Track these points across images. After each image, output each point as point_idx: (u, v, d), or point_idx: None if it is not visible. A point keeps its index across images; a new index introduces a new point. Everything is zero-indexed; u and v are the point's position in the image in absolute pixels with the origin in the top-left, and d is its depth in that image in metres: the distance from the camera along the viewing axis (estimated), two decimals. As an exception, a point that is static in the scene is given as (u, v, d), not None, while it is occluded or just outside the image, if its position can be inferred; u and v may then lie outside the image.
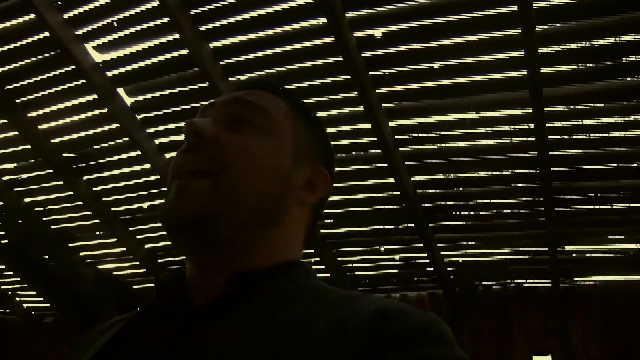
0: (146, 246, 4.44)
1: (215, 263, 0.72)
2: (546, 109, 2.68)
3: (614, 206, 3.13)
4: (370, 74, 2.82)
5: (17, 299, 5.69)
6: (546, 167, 2.93)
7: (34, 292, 5.42)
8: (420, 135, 3.05)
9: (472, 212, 3.45)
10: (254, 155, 0.74)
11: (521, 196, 3.26)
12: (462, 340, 3.92)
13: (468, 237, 3.64)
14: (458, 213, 3.45)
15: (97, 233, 4.46)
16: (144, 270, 4.65)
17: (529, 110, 2.73)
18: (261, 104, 0.78)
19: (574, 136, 2.85)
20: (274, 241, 0.75)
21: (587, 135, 2.81)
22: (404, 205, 3.46)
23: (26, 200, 4.37)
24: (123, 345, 0.69)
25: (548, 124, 2.75)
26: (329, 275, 4.13)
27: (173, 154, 3.35)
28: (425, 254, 3.76)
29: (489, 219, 3.47)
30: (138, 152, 3.67)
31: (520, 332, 3.83)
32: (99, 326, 0.82)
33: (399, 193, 3.36)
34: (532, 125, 2.80)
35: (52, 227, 4.51)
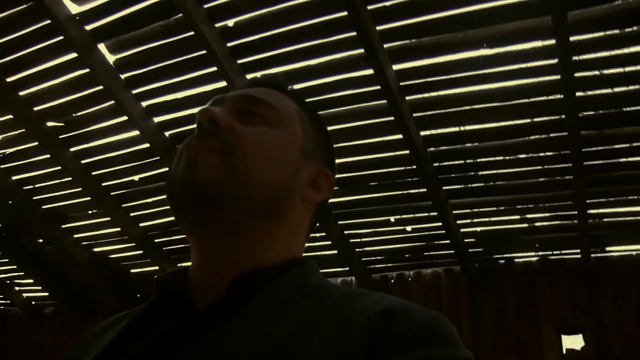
0: (141, 225, 4.16)
1: (218, 252, 0.72)
2: (572, 38, 2.32)
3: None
4: (369, 7, 2.49)
5: (16, 288, 5.46)
6: (573, 111, 2.57)
7: (31, 280, 5.18)
8: (427, 80, 2.70)
9: (489, 172, 3.09)
10: (265, 146, 0.74)
11: (545, 149, 2.89)
12: (483, 320, 3.56)
13: (486, 201, 3.27)
14: (474, 173, 3.10)
15: (90, 211, 4.19)
16: (141, 252, 4.37)
17: (552, 42, 2.37)
18: (272, 101, 0.79)
19: (605, 71, 2.48)
20: (277, 234, 0.75)
21: (622, 69, 2.44)
22: (414, 167, 3.12)
23: (14, 178, 4.12)
24: (124, 348, 0.68)
25: (574, 57, 2.39)
26: (336, 252, 3.80)
27: (161, 118, 3.08)
28: (440, 224, 3.41)
29: (509, 178, 3.10)
30: (125, 118, 3.40)
31: (547, 310, 3.44)
32: (101, 323, 0.82)
33: (408, 152, 3.03)
34: (555, 60, 2.44)
35: (43, 207, 4.26)
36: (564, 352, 3.32)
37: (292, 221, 0.77)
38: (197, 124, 0.75)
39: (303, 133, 0.80)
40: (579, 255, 3.41)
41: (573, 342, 3.36)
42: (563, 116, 2.65)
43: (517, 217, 3.34)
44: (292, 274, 0.72)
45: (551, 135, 2.79)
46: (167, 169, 3.63)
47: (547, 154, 2.90)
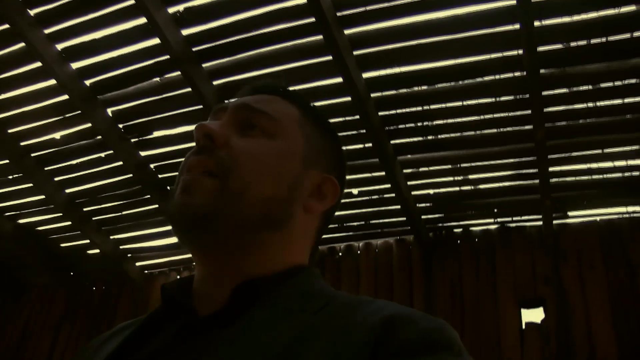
0: (67, 191, 3.77)
1: (221, 265, 0.73)
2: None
3: (623, 101, 2.45)
4: None
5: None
6: (531, 44, 2.26)
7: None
8: (367, 8, 2.37)
9: (441, 122, 2.77)
10: (262, 160, 0.74)
11: (502, 93, 2.58)
12: (437, 295, 3.25)
13: (438, 157, 2.95)
14: (422, 123, 2.78)
15: (10, 177, 3.79)
16: (69, 223, 3.98)
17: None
18: (270, 112, 0.78)
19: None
20: (279, 245, 0.75)
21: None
22: (357, 117, 2.79)
23: None
24: (129, 355, 0.69)
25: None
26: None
27: (79, 64, 2.70)
28: (389, 185, 3.09)
29: (461, 129, 2.79)
30: (38, 63, 3.02)
31: (507, 282, 3.15)
32: (106, 333, 0.83)
33: (349, 99, 2.70)
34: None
35: (-43, 171, 3.85)
36: (524, 326, 3.03)
37: (295, 231, 0.77)
38: (195, 140, 0.75)
39: (304, 140, 0.79)
40: (541, 222, 3.12)
41: (533, 314, 3.07)
42: (520, 51, 2.34)
43: (473, 176, 3.02)
44: (294, 282, 0.73)
45: (509, 75, 2.47)
46: (89, 124, 3.26)
47: (504, 98, 2.58)
